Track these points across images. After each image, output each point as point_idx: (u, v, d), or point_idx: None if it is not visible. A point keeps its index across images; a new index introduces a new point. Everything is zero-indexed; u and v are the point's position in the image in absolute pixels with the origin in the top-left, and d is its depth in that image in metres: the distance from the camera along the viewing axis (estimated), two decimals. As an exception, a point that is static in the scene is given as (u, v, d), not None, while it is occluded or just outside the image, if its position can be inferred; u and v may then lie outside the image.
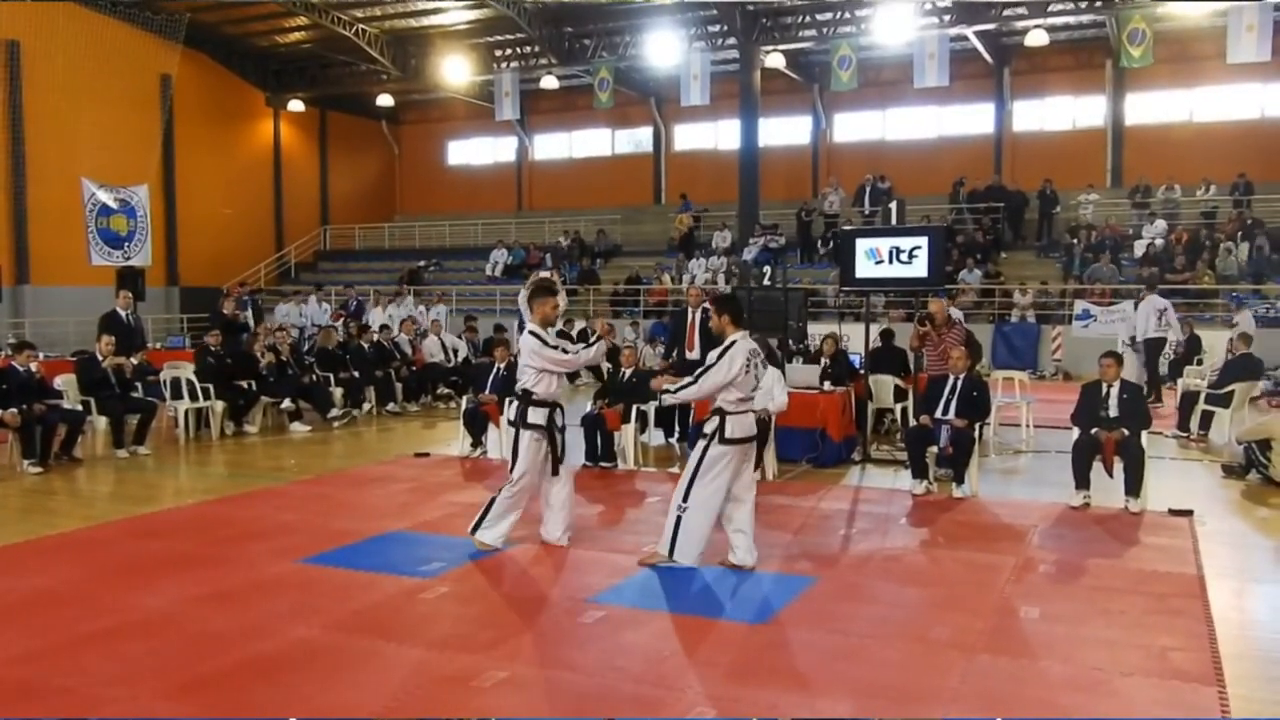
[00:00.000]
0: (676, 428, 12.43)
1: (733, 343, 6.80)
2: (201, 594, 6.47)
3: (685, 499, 6.82)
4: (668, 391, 6.99)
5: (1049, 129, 29.85)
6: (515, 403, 7.44)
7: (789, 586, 6.64)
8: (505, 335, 16.48)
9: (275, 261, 34.45)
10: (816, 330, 14.72)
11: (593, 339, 7.82)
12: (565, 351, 7.30)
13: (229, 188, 32.81)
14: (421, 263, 32.22)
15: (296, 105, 34.66)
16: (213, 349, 14.18)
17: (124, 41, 28.05)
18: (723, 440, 6.76)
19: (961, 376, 9.93)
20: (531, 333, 7.37)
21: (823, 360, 12.16)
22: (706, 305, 12.30)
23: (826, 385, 11.66)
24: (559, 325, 14.12)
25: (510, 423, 7.48)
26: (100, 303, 16.12)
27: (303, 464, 11.62)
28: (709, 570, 6.93)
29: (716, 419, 6.78)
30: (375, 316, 19.89)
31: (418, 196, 38.80)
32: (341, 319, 20.69)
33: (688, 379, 6.91)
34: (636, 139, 35.35)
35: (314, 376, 15.02)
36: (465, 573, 7.02)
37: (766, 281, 21.82)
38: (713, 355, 6.81)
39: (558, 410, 7.51)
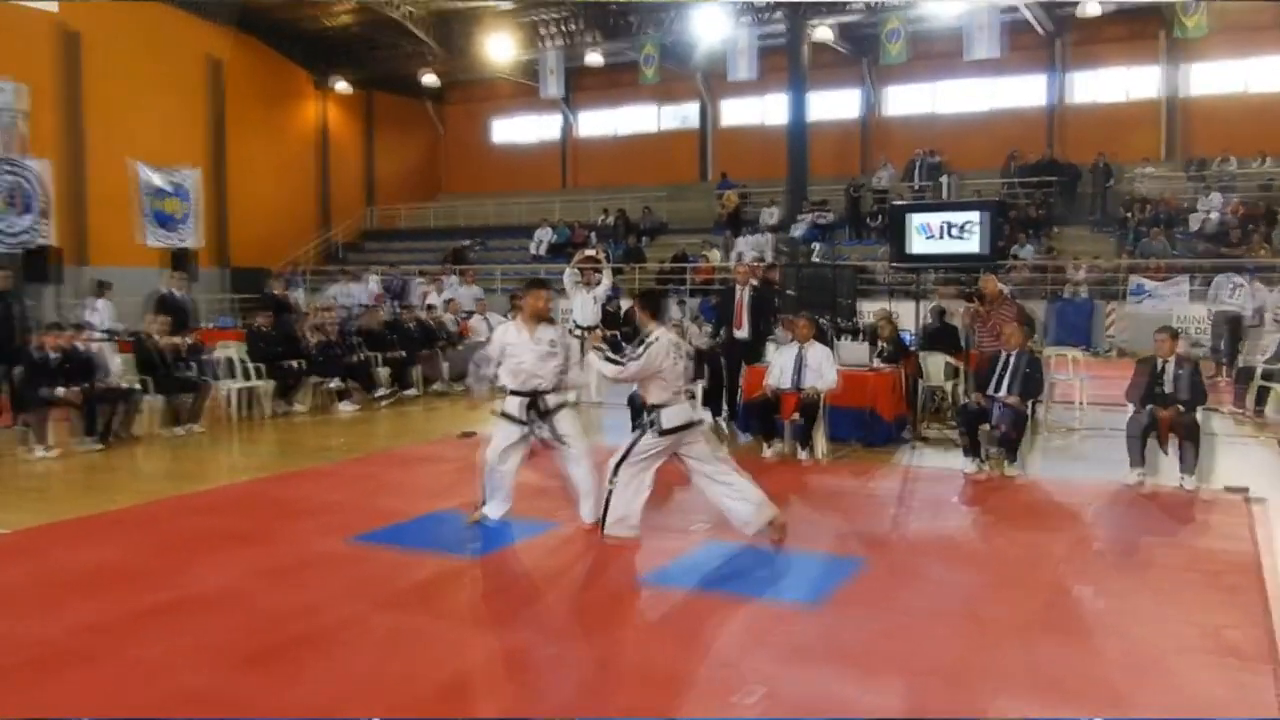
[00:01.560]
0: (725, 406, 12.17)
1: (654, 339, 6.94)
2: (256, 569, 6.54)
3: (614, 475, 6.97)
4: (598, 351, 7.18)
5: (1103, 101, 29.29)
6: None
7: (839, 568, 6.58)
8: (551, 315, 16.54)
9: (321, 242, 34.69)
10: (866, 308, 14.53)
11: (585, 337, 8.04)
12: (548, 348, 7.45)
13: (278, 169, 33.09)
14: (466, 242, 32.28)
15: (343, 87, 34.87)
16: (263, 329, 14.25)
17: (177, 27, 28.47)
18: (660, 432, 6.88)
19: (1015, 353, 9.76)
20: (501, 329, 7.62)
21: (880, 344, 11.94)
22: (754, 282, 12.62)
23: (877, 363, 11.47)
24: (602, 301, 13.91)
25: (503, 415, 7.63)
26: (154, 284, 16.30)
27: (350, 443, 11.67)
28: (760, 551, 6.88)
29: (653, 413, 6.92)
30: (418, 298, 19.81)
31: (462, 175, 38.91)
32: (379, 299, 20.62)
33: (617, 358, 7.10)
34: (683, 115, 35.17)
35: (361, 356, 15.04)
36: (513, 552, 7.00)
37: (816, 258, 21.57)
38: (631, 349, 7.04)
39: (540, 398, 7.51)
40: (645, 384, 6.99)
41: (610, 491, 6.96)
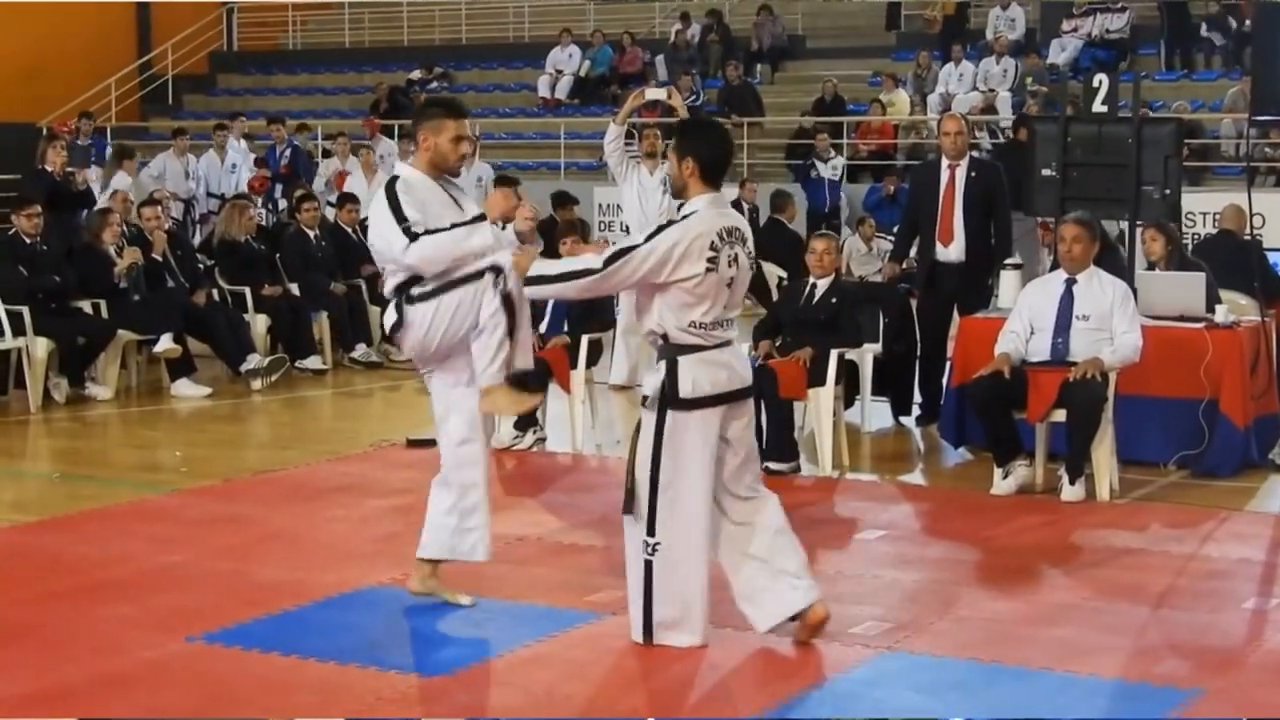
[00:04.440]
0: (917, 394, 8.81)
1: (689, 214, 4.62)
2: (21, 694, 4.80)
3: (652, 529, 4.61)
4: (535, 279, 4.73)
5: None
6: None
7: (1148, 705, 4.70)
8: (576, 214, 11.96)
9: (138, 74, 25.37)
10: (1201, 203, 11.74)
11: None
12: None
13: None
14: (415, 74, 23.44)
15: None
16: (28, 240, 10.57)
17: None
18: (676, 403, 4.51)
19: None
20: (387, 189, 4.88)
21: (1154, 267, 8.93)
22: (976, 154, 10.02)
23: (1221, 313, 8.02)
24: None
25: None
26: None
27: (196, 458, 9.09)
28: (980, 669, 4.82)
29: (662, 366, 4.61)
30: (326, 183, 14.82)
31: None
32: (263, 184, 15.61)
33: (574, 262, 4.68)
34: None
35: (215, 293, 11.38)
36: (512, 665, 5.00)
37: (1099, 106, 14.81)
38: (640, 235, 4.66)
39: None
40: (646, 302, 4.63)
41: (648, 562, 4.66)
